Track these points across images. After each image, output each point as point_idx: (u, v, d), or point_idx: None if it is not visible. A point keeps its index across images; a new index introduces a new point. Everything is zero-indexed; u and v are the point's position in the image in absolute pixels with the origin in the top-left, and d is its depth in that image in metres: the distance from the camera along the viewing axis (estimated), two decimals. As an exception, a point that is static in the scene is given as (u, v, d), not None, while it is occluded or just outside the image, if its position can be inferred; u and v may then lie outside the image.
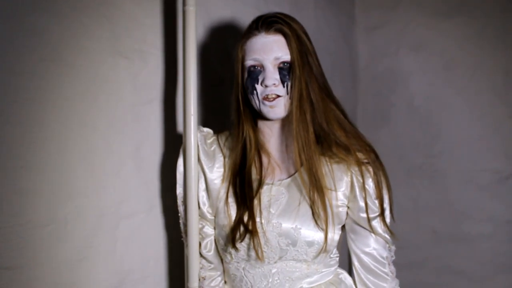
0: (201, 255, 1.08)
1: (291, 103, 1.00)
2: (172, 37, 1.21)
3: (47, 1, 0.87)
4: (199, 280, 1.08)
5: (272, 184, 1.05)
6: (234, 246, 1.01)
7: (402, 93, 2.45)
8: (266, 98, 1.00)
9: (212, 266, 1.10)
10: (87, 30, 0.96)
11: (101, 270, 1.02)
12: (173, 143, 1.21)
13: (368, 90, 2.56)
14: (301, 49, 1.01)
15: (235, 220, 1.02)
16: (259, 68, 1.01)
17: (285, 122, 1.05)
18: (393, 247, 1.07)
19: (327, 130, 1.01)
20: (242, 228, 0.99)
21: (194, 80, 1.02)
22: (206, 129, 1.13)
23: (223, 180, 1.07)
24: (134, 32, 1.09)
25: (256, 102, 1.02)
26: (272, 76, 0.99)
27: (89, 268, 0.98)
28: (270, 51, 0.99)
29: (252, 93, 1.01)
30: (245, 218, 1.00)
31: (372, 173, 1.02)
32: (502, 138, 2.23)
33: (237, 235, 0.99)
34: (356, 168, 1.02)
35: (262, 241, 0.99)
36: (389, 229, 1.04)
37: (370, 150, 1.03)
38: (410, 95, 2.43)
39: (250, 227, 0.99)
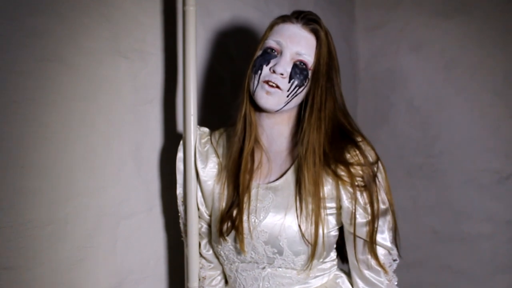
0: (201, 255, 1.08)
1: (308, 114, 0.98)
2: (172, 37, 1.21)
3: (47, 1, 0.87)
4: (199, 280, 1.08)
5: (259, 186, 1.01)
6: (221, 235, 0.98)
7: (402, 93, 2.45)
8: (266, 82, 0.96)
9: (212, 265, 1.10)
10: (87, 30, 0.96)
11: (101, 270, 1.02)
12: (173, 143, 1.21)
13: (368, 90, 2.56)
14: (329, 62, 0.99)
15: (224, 210, 1.00)
16: (275, 52, 0.98)
17: (284, 124, 1.03)
18: (393, 252, 1.00)
19: (327, 150, 0.97)
20: (229, 222, 0.98)
21: (194, 80, 1.02)
22: (202, 128, 1.10)
23: (217, 180, 1.05)
24: (134, 32, 1.09)
25: (254, 83, 0.97)
26: (285, 66, 0.96)
27: (89, 268, 0.98)
28: (297, 43, 0.97)
29: (256, 72, 0.97)
30: (234, 212, 0.98)
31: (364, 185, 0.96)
32: (502, 138, 2.23)
33: (224, 227, 0.98)
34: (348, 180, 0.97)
35: (246, 240, 0.97)
36: (373, 237, 0.97)
37: (370, 169, 0.97)
38: (410, 95, 2.42)
39: (236, 221, 0.97)
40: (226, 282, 1.12)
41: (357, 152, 0.97)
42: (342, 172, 0.96)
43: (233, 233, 0.98)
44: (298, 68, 0.97)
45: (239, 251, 0.98)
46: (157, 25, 1.16)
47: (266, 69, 0.97)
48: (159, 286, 1.21)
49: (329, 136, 0.98)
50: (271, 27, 1.01)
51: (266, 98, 0.96)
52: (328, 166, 0.97)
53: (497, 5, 2.20)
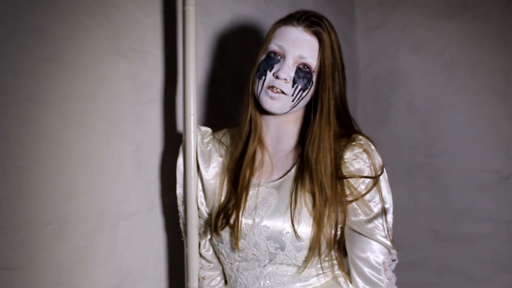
0: (200, 255, 1.08)
1: (318, 116, 0.99)
2: (172, 37, 1.21)
3: (47, 1, 0.87)
4: (199, 280, 1.08)
5: (259, 185, 1.03)
6: (215, 231, 1.00)
7: (402, 93, 2.45)
8: (270, 87, 0.97)
9: (212, 265, 1.10)
10: (87, 30, 0.96)
11: (101, 270, 1.02)
12: (173, 143, 1.21)
13: (368, 90, 2.56)
14: (333, 62, 1.00)
15: (221, 205, 1.01)
16: (279, 57, 0.98)
17: (291, 124, 1.04)
18: (393, 251, 1.01)
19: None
20: (224, 218, 0.99)
21: (194, 80, 1.02)
22: (204, 128, 1.11)
23: (219, 179, 1.06)
24: (134, 32, 1.09)
25: (258, 88, 0.99)
26: (288, 71, 0.96)
27: (89, 268, 0.98)
28: (299, 47, 0.97)
29: (260, 78, 0.98)
30: (230, 208, 0.99)
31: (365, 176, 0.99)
32: (502, 138, 2.23)
33: (219, 222, 0.99)
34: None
35: (248, 237, 0.98)
36: (375, 235, 0.99)
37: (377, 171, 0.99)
38: (410, 95, 2.42)
39: (233, 216, 0.98)
40: (226, 282, 1.12)
41: (365, 155, 0.99)
42: (351, 169, 0.99)
43: (228, 229, 0.99)
44: (302, 72, 0.97)
45: (232, 238, 0.99)
46: (157, 25, 1.16)
47: (269, 75, 0.98)
48: (159, 286, 1.21)
49: (335, 135, 1.00)
50: (274, 29, 1.01)
51: (270, 103, 0.97)
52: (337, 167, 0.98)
53: (497, 5, 2.20)
